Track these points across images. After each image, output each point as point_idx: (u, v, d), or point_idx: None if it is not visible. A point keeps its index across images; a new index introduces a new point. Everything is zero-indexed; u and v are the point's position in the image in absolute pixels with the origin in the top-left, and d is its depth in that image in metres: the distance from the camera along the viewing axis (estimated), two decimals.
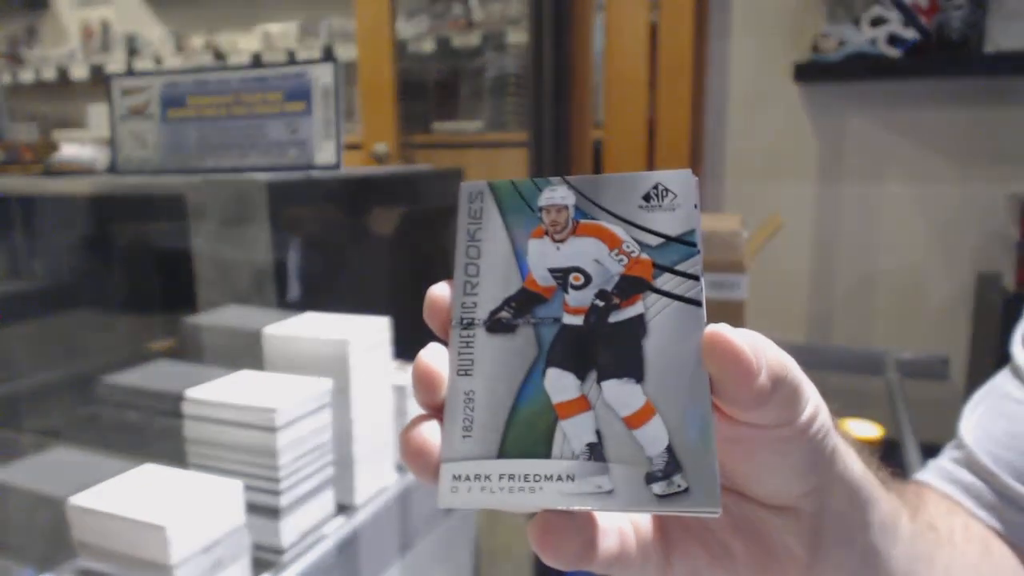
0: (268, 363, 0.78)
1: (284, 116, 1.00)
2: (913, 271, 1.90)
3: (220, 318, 0.89)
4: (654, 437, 0.25)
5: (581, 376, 0.26)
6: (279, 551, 0.67)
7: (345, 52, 2.65)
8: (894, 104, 1.87)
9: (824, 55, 1.79)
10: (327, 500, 0.73)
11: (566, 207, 0.28)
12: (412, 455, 0.26)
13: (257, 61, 2.92)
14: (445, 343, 0.28)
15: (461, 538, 0.83)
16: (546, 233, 0.28)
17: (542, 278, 0.27)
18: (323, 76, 0.98)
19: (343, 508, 0.75)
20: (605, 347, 0.26)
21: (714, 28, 2.00)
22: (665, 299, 0.26)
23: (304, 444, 0.68)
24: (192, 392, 0.68)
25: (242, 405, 0.66)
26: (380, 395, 0.79)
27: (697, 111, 2.00)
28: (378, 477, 0.80)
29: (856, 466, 0.30)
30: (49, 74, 3.37)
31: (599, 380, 0.26)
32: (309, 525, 0.70)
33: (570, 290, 0.27)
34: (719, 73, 2.02)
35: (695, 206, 0.27)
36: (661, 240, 0.27)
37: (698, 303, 0.26)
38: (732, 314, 1.17)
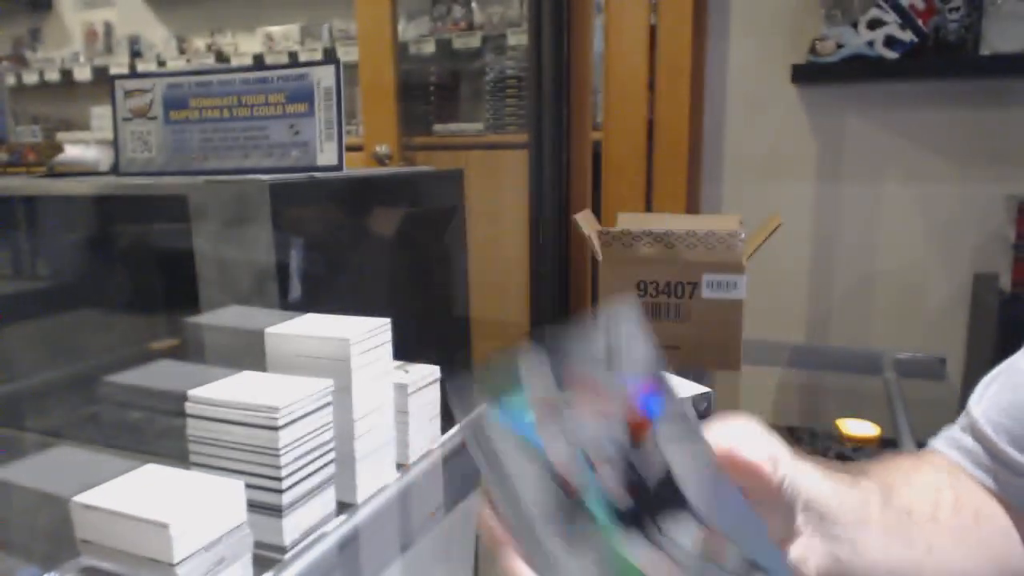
0: (270, 363, 0.78)
1: (286, 118, 1.01)
2: (911, 271, 1.91)
3: (222, 318, 0.89)
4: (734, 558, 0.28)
5: (655, 540, 0.28)
6: (281, 549, 0.68)
7: (346, 54, 2.66)
8: (892, 105, 1.88)
9: (822, 57, 1.79)
10: (329, 499, 0.73)
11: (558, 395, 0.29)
12: None
13: (259, 63, 2.93)
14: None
15: (461, 537, 0.83)
16: (550, 418, 0.29)
17: (572, 474, 0.29)
18: (325, 78, 0.99)
19: (344, 507, 0.76)
20: (660, 509, 0.29)
21: (713, 30, 2.01)
22: (675, 445, 0.28)
23: (306, 443, 0.69)
24: (195, 391, 0.69)
25: (244, 404, 0.66)
26: (381, 394, 0.79)
27: (696, 113, 2.01)
28: (379, 476, 0.80)
29: (823, 485, 0.38)
30: (53, 76, 3.38)
31: (670, 534, 0.28)
32: (311, 523, 0.71)
33: (597, 473, 0.29)
34: (718, 75, 2.03)
35: (644, 343, 0.29)
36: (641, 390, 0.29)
37: (700, 438, 0.29)
38: (731, 314, 1.18)
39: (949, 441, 0.56)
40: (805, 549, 0.37)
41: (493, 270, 2.11)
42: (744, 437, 0.34)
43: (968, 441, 0.54)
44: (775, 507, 0.35)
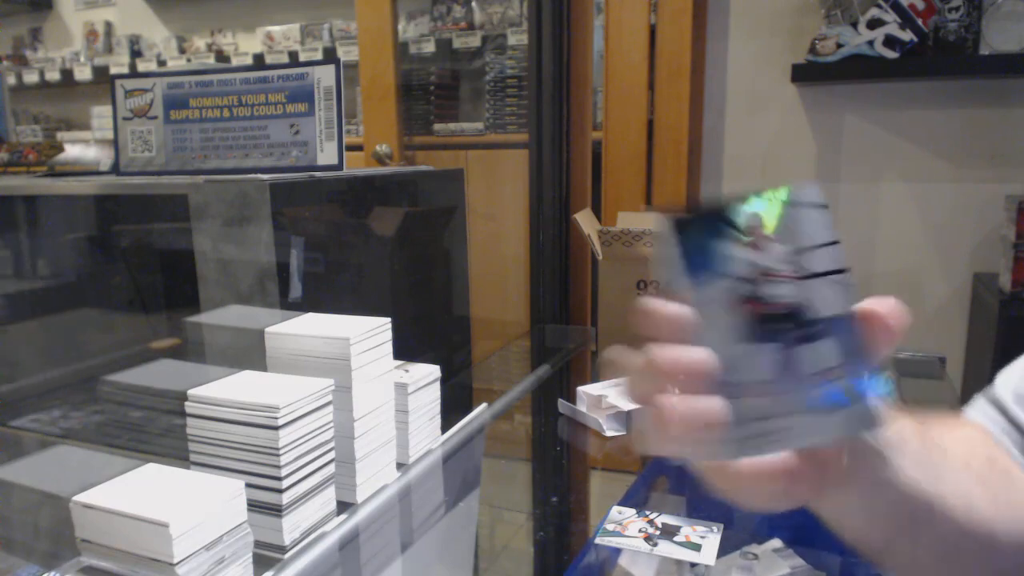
0: (270, 362, 0.78)
1: (286, 117, 1.01)
2: (910, 271, 1.91)
3: (222, 318, 0.89)
4: None
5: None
6: (281, 549, 0.68)
7: (347, 53, 2.66)
8: (891, 105, 1.88)
9: (822, 56, 1.79)
10: (329, 498, 0.73)
11: None
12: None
13: (259, 62, 2.93)
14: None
15: (461, 536, 0.84)
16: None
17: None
18: (325, 77, 0.99)
19: (344, 506, 0.76)
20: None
21: (713, 30, 2.01)
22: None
23: (306, 442, 0.69)
24: (195, 391, 0.69)
25: (245, 403, 0.66)
26: (381, 394, 0.80)
27: (696, 112, 2.01)
28: (379, 475, 0.80)
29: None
30: (53, 75, 3.38)
31: None
32: (311, 523, 0.71)
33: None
34: (718, 74, 2.03)
35: None
36: None
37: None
38: None
39: (976, 407, 0.56)
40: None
41: (493, 270, 2.11)
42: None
43: (988, 408, 0.54)
44: None
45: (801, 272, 0.36)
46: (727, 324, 0.35)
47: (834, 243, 0.37)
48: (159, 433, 0.92)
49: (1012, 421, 0.52)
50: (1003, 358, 0.56)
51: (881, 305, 0.35)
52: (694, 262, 0.35)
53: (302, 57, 2.85)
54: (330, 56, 2.77)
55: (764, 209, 0.36)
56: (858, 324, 0.35)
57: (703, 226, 0.35)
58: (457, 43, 2.52)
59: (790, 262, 0.36)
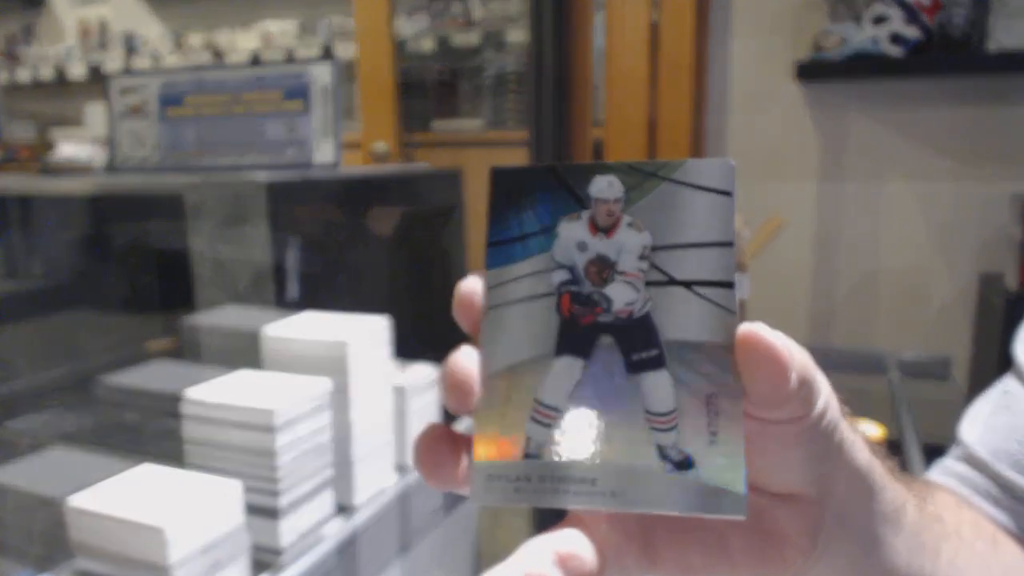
0: (267, 363, 0.77)
1: (283, 115, 1.00)
2: (915, 271, 1.90)
3: (218, 318, 0.88)
4: None
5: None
6: (278, 552, 0.67)
7: (344, 51, 2.64)
8: (896, 103, 1.87)
9: (826, 54, 1.78)
10: (326, 501, 0.72)
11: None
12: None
13: (256, 60, 2.92)
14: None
15: (461, 539, 0.83)
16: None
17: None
18: (322, 75, 0.98)
19: (342, 509, 0.75)
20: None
21: (715, 27, 2.00)
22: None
23: (303, 445, 0.68)
24: (191, 392, 0.68)
25: (240, 406, 0.66)
26: (379, 395, 0.79)
27: (698, 110, 2.00)
28: (377, 478, 0.79)
29: (862, 455, 0.30)
30: (47, 73, 3.36)
31: None
32: (308, 526, 0.70)
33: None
34: (720, 72, 2.02)
35: None
36: None
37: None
38: None
39: (942, 470, 0.52)
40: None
41: None
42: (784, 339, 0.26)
43: (962, 468, 0.50)
44: (793, 442, 0.27)
45: (651, 275, 0.25)
46: (528, 320, 0.26)
47: (722, 244, 0.26)
48: (155, 435, 0.91)
49: (994, 479, 0.48)
50: (1009, 359, 0.55)
51: (767, 335, 0.25)
52: (506, 228, 0.27)
53: (299, 54, 2.84)
54: (328, 53, 2.76)
55: (629, 181, 0.26)
56: (723, 361, 0.25)
57: (529, 185, 0.27)
58: (456, 40, 2.51)
59: (641, 257, 0.26)
